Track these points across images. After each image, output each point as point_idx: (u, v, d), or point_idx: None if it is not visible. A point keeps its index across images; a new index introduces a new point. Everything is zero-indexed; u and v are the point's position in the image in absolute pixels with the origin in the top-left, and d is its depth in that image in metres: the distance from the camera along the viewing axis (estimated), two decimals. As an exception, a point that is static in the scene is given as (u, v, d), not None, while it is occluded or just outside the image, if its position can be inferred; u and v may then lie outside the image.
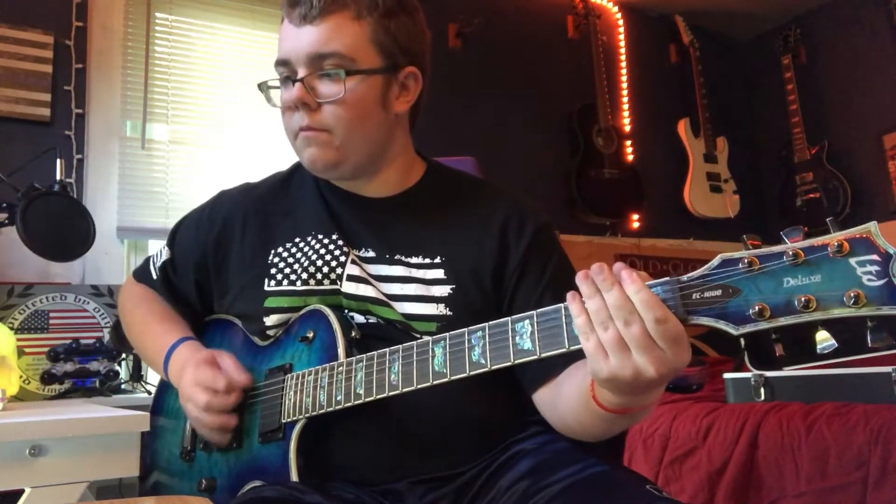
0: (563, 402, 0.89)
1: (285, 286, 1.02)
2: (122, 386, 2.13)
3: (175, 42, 2.60)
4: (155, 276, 1.18)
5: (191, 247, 1.14)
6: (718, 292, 0.65)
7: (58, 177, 1.89)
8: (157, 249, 1.21)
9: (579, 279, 0.70)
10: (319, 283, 1.00)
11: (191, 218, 1.18)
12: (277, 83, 1.02)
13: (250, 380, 1.00)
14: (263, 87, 1.05)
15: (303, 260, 1.02)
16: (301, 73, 0.96)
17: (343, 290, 0.99)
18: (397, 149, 1.06)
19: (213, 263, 1.11)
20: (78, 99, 2.35)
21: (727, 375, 2.12)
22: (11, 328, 1.99)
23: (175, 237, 1.18)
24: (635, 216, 3.52)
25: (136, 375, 2.15)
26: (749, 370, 2.08)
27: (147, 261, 1.22)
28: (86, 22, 2.40)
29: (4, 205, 1.71)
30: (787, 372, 1.99)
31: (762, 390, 2.01)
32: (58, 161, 1.91)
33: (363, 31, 0.96)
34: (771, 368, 2.02)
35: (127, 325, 1.23)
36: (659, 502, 0.79)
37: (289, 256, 1.04)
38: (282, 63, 0.99)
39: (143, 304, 1.19)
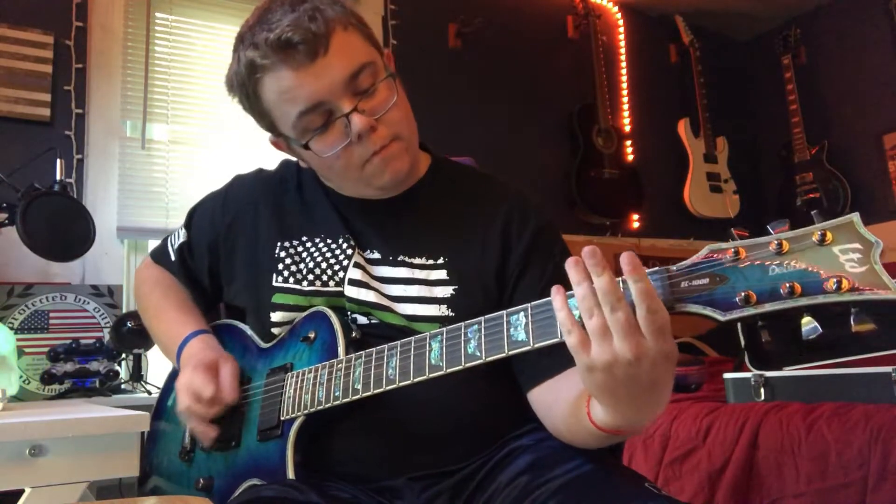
0: (557, 411, 0.88)
1: (291, 284, 1.03)
2: (122, 386, 2.12)
3: (175, 42, 2.60)
4: (173, 258, 1.19)
5: (206, 231, 1.15)
6: (706, 280, 0.67)
7: (58, 177, 1.89)
8: (175, 231, 1.22)
9: (570, 265, 0.70)
10: (325, 284, 1.01)
11: (207, 202, 1.19)
12: (312, 135, 0.95)
13: (235, 399, 1.01)
14: (308, 144, 0.95)
15: (308, 260, 1.03)
16: (347, 103, 0.92)
17: (346, 293, 1.00)
18: None
19: (224, 248, 1.12)
20: (78, 99, 2.35)
21: (727, 375, 2.12)
22: (11, 328, 1.99)
23: (192, 220, 1.19)
24: (635, 216, 3.52)
25: (136, 375, 2.15)
26: (749, 370, 2.08)
27: (165, 241, 1.22)
28: (86, 22, 2.40)
29: (4, 205, 1.72)
30: (787, 372, 2.00)
31: (762, 390, 2.01)
32: (58, 161, 1.92)
33: (358, 35, 0.95)
34: (771, 368, 2.02)
35: (142, 308, 1.24)
36: (656, 500, 0.79)
37: (294, 254, 1.04)
38: (313, 108, 0.92)
39: (159, 289, 1.20)
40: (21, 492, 1.14)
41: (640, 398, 0.70)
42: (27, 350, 2.02)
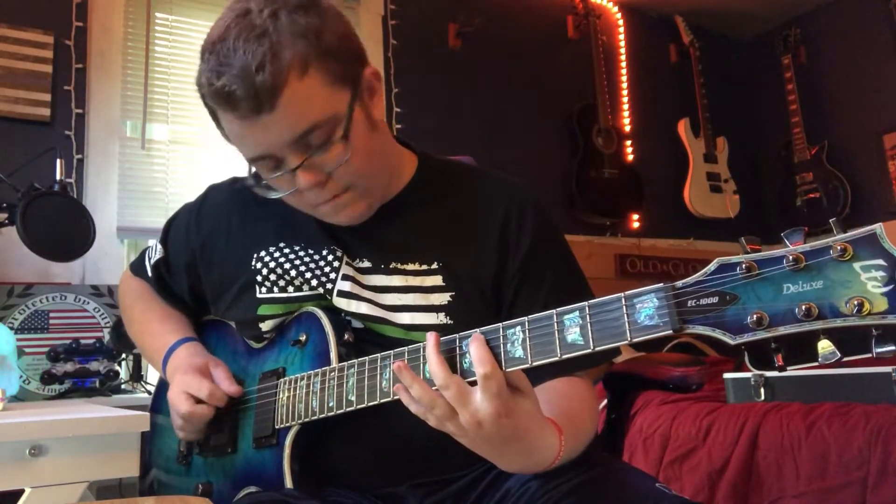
0: None
1: (276, 293, 0.99)
2: (122, 386, 2.12)
3: (175, 42, 2.60)
4: (150, 274, 1.17)
5: (181, 248, 1.12)
6: (715, 300, 0.62)
7: (58, 177, 1.89)
8: (153, 243, 1.19)
9: (398, 370, 0.77)
10: (314, 289, 0.98)
11: (182, 216, 1.15)
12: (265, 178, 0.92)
13: (239, 391, 1.00)
14: (258, 187, 0.94)
15: (288, 267, 0.99)
16: (294, 159, 0.87)
17: (335, 304, 0.96)
18: (389, 153, 1.00)
19: (202, 266, 1.09)
20: (78, 99, 2.35)
21: (727, 375, 2.12)
22: (11, 328, 1.99)
23: (168, 235, 1.16)
24: (635, 216, 3.52)
25: (136, 375, 2.15)
26: (749, 370, 2.08)
27: (143, 254, 1.21)
28: (86, 22, 2.40)
29: (4, 205, 1.71)
30: (787, 372, 1.99)
31: (762, 390, 2.01)
32: (58, 161, 1.91)
33: (319, 81, 0.84)
34: (771, 369, 2.02)
35: (127, 320, 1.23)
36: (668, 500, 0.79)
37: (271, 261, 1.00)
38: (261, 157, 0.89)
39: (141, 301, 1.19)
40: (21, 492, 1.14)
41: (506, 451, 0.76)
42: (27, 350, 2.02)
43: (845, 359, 0.57)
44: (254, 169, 0.94)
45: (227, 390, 0.99)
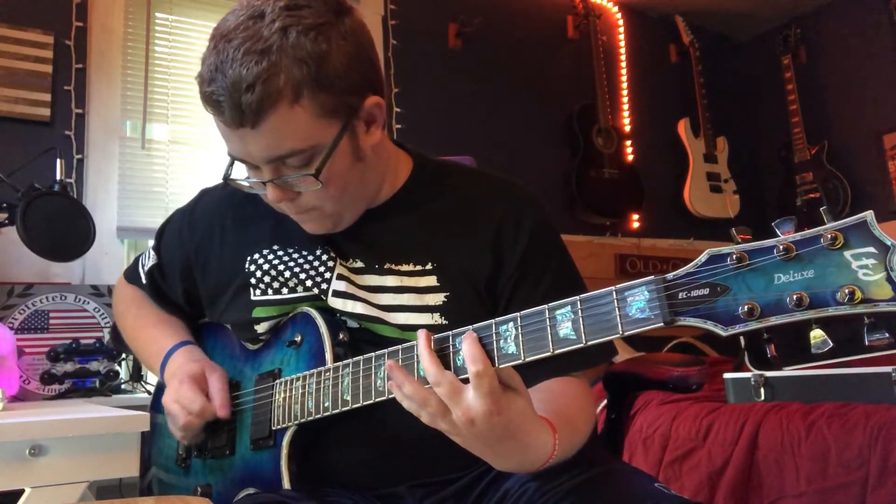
0: None
1: (270, 295, 0.99)
2: (122, 386, 2.13)
3: (175, 42, 2.60)
4: (144, 281, 1.16)
5: (175, 253, 1.12)
6: (706, 291, 0.62)
7: (58, 177, 1.89)
8: (146, 249, 1.19)
9: (389, 369, 0.78)
10: (308, 290, 0.98)
11: (175, 221, 1.15)
12: (243, 172, 0.94)
13: (228, 414, 1.00)
14: (234, 182, 0.94)
15: (283, 269, 0.99)
16: (267, 173, 0.88)
17: (330, 304, 0.96)
18: (380, 169, 0.99)
19: (197, 271, 1.09)
20: (78, 99, 2.35)
21: (727, 375, 2.12)
22: (11, 328, 1.99)
23: (161, 241, 1.15)
24: (635, 216, 3.52)
25: (136, 375, 2.15)
26: (749, 370, 2.08)
27: (136, 261, 1.20)
28: (86, 22, 2.40)
29: (4, 205, 1.71)
30: (787, 372, 2.00)
31: (762, 390, 2.01)
32: (58, 161, 1.91)
33: (308, 112, 0.83)
34: (771, 368, 2.02)
35: (121, 327, 1.23)
36: (668, 500, 0.80)
37: (265, 263, 1.00)
38: (238, 158, 0.90)
39: (134, 308, 1.19)
40: (21, 492, 1.14)
41: (499, 449, 0.76)
42: (27, 350, 2.02)
43: (839, 359, 0.57)
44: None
45: (218, 412, 0.99)
